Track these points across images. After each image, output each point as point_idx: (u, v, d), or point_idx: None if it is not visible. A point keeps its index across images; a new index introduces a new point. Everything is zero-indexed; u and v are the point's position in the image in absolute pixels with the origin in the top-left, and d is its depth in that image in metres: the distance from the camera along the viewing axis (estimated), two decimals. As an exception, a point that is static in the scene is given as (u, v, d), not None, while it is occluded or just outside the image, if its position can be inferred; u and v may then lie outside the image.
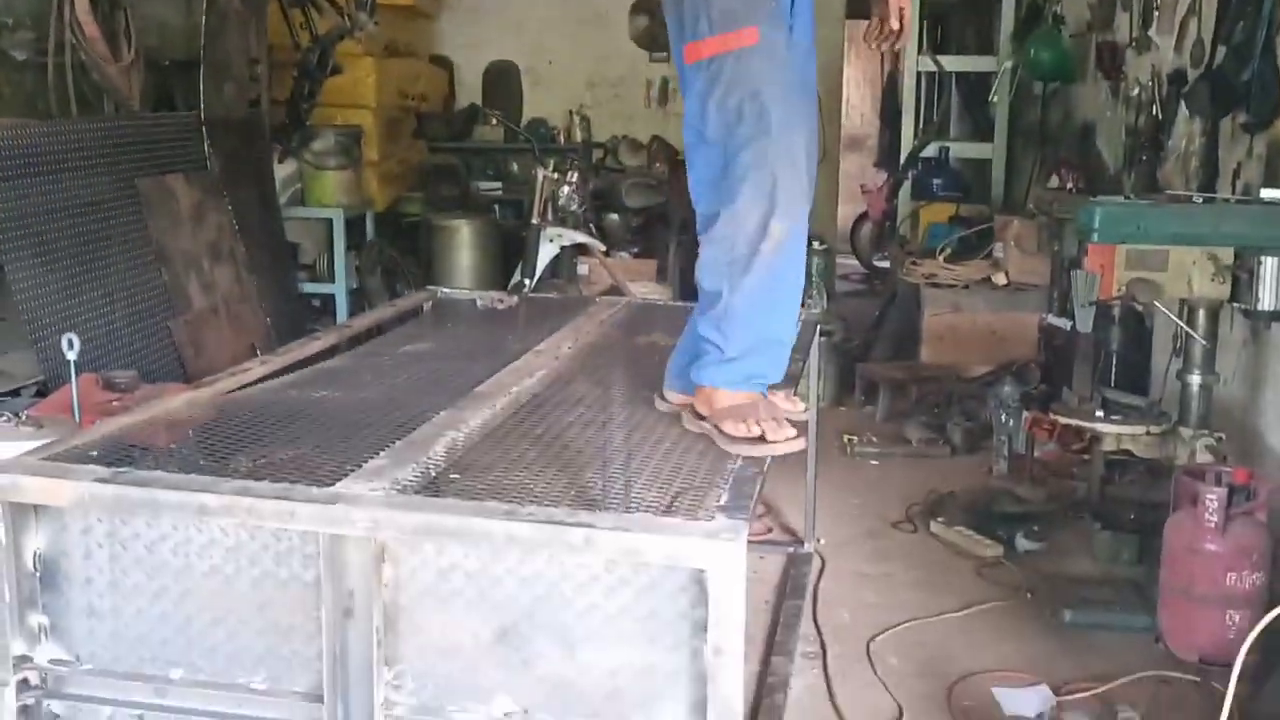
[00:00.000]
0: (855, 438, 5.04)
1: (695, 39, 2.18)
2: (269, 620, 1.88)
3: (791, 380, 2.62)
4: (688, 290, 6.87)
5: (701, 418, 2.29)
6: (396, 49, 7.29)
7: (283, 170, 6.04)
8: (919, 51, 7.23)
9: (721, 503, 1.91)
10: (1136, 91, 4.58)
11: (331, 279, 6.17)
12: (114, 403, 2.92)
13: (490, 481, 1.99)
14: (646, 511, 1.86)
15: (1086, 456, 4.02)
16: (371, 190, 6.80)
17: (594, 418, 2.45)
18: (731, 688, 1.68)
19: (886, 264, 7.94)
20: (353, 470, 1.98)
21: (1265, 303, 3.21)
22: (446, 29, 8.40)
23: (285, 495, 1.85)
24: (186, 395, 2.51)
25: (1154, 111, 4.32)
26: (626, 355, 3.01)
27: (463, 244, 6.82)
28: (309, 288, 6.17)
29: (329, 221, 6.14)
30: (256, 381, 2.70)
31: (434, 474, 2.02)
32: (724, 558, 1.68)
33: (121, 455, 2.07)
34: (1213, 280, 3.20)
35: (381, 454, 2.08)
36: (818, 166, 2.35)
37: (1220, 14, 3.73)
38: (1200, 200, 3.33)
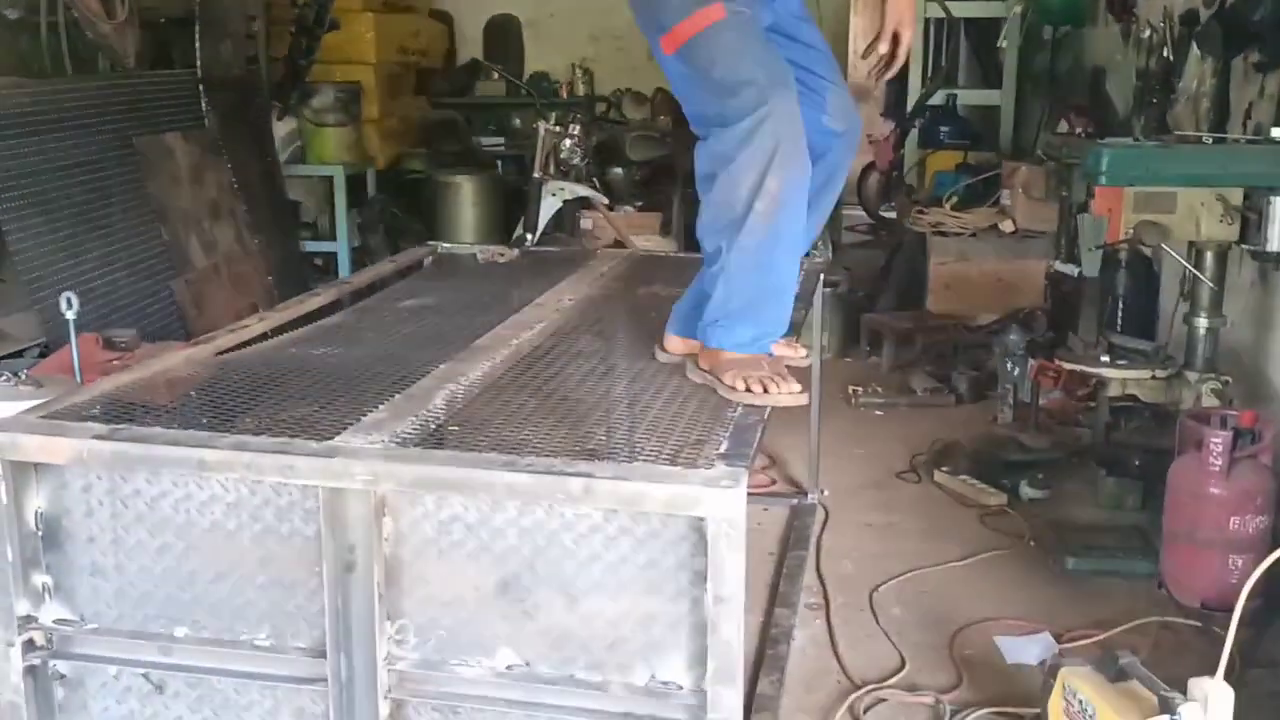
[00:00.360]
0: (860, 388, 5.02)
1: (665, 30, 2.22)
2: (271, 576, 1.88)
3: (793, 328, 2.60)
4: (692, 243, 6.80)
5: (704, 370, 2.29)
6: (395, 3, 7.21)
7: (282, 128, 6.00)
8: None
9: (721, 451, 1.90)
10: (1148, 34, 4.50)
11: (334, 237, 6.15)
12: (114, 361, 2.91)
13: (490, 433, 1.98)
14: (646, 460, 1.85)
15: (1092, 403, 4.00)
16: (373, 147, 6.75)
17: (594, 369, 2.44)
18: (732, 636, 1.68)
19: (893, 214, 7.88)
20: (352, 424, 1.97)
21: (1274, 244, 3.17)
22: (446, -18, 8.30)
23: (284, 449, 1.84)
24: (185, 352, 2.50)
25: (1165, 53, 4.25)
26: (627, 307, 2.99)
27: (466, 200, 6.78)
28: (311, 246, 6.15)
29: (330, 179, 6.11)
30: (256, 339, 2.69)
31: (433, 427, 2.01)
32: (723, 505, 1.68)
33: (120, 412, 2.06)
34: (1221, 222, 3.15)
35: (380, 408, 2.07)
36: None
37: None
38: (1210, 140, 3.28)
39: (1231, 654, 2.08)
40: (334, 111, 6.03)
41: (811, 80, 2.34)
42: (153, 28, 5.26)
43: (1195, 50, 3.88)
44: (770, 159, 2.13)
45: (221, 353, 2.56)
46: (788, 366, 2.31)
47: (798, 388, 2.19)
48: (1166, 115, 4.32)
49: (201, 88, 4.98)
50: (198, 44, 4.93)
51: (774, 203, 2.16)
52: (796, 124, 2.16)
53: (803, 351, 2.52)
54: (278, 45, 5.97)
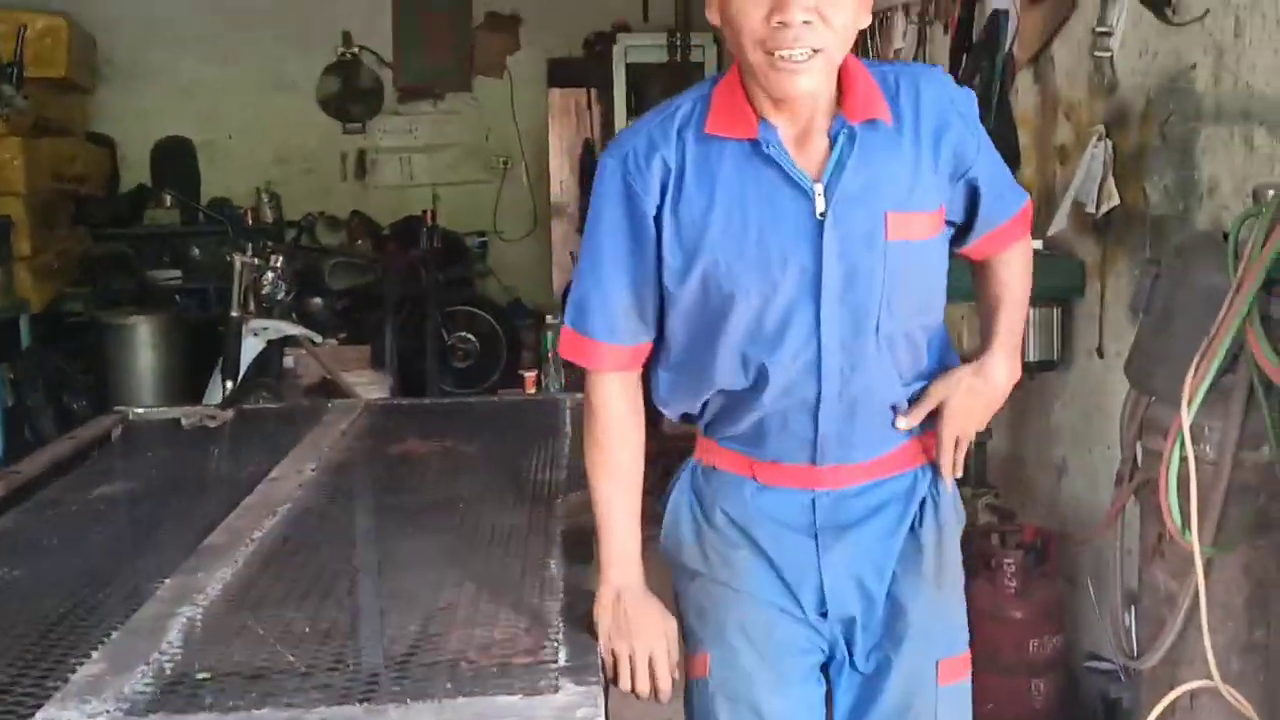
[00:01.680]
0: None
1: None
2: None
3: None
4: (409, 378, 6.43)
5: None
6: (48, 127, 6.42)
7: (-87, 273, 5.11)
8: (627, 119, 7.17)
9: (562, 661, 1.54)
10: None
11: (-18, 397, 5.26)
12: None
13: (255, 671, 1.51)
14: (470, 690, 1.45)
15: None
16: (25, 289, 5.90)
17: (367, 560, 2.00)
18: None
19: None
20: (57, 688, 1.45)
21: (1028, 353, 3.21)
22: (105, 102, 7.51)
23: (-42, 750, 1.30)
24: None
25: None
26: (384, 472, 2.56)
27: (142, 343, 6.04)
28: (-46, 411, 5.22)
29: (-25, 329, 5.24)
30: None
31: (175, 675, 1.51)
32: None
33: None
34: (977, 335, 3.15)
35: (95, 655, 1.55)
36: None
37: (953, 70, 3.79)
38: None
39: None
40: (-23, 251, 5.21)
41: None
42: None
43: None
44: None
45: None
46: None
47: None
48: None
49: None
50: None
51: None
52: None
53: None
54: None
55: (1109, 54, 3.25)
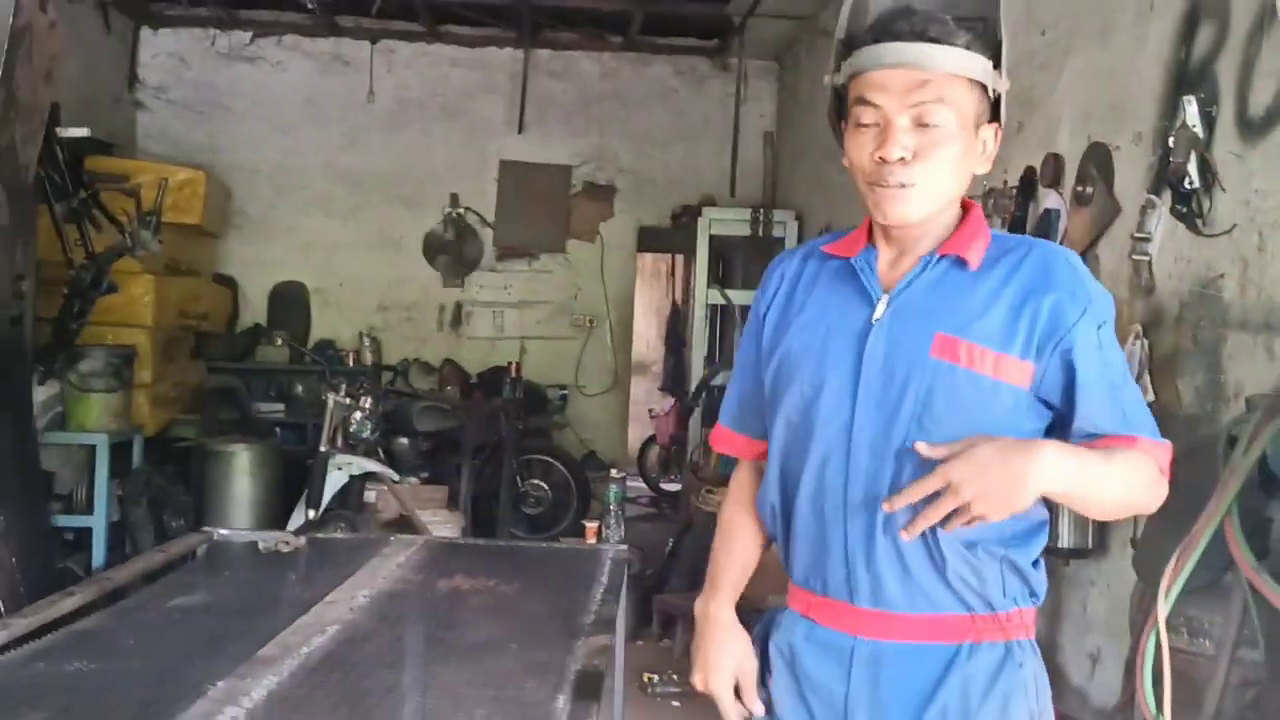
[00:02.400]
0: (655, 676, 4.85)
1: None
2: None
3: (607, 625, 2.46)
4: (481, 518, 6.68)
5: None
6: (178, 267, 7.00)
7: (42, 393, 5.57)
8: (708, 285, 7.52)
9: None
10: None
11: (90, 510, 5.64)
12: None
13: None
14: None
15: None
16: (142, 414, 6.36)
17: (395, 680, 2.20)
18: None
19: (675, 486, 7.97)
20: (112, 768, 1.67)
21: (1063, 539, 3.29)
22: (233, 248, 8.18)
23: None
24: (-96, 671, 2.12)
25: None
26: (428, 604, 2.78)
27: (240, 470, 6.40)
28: (63, 520, 5.60)
29: (91, 448, 5.66)
30: (-4, 649, 2.32)
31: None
32: None
33: None
34: (1013, 519, 3.26)
35: (148, 744, 1.78)
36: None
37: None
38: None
39: None
40: (103, 376, 5.67)
41: None
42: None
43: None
44: None
45: (-49, 669, 2.18)
46: None
47: None
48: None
49: (-43, 350, 4.58)
50: (-46, 307, 4.57)
51: None
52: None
53: None
54: (48, 305, 5.63)
55: (1147, 258, 3.43)
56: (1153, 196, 3.37)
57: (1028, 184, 4.10)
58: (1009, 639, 1.75)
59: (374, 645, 2.42)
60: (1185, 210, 3.19)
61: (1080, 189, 3.76)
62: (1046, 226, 3.96)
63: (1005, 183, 4.23)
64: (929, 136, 1.66)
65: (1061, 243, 3.89)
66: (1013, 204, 4.13)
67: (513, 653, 2.38)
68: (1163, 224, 3.38)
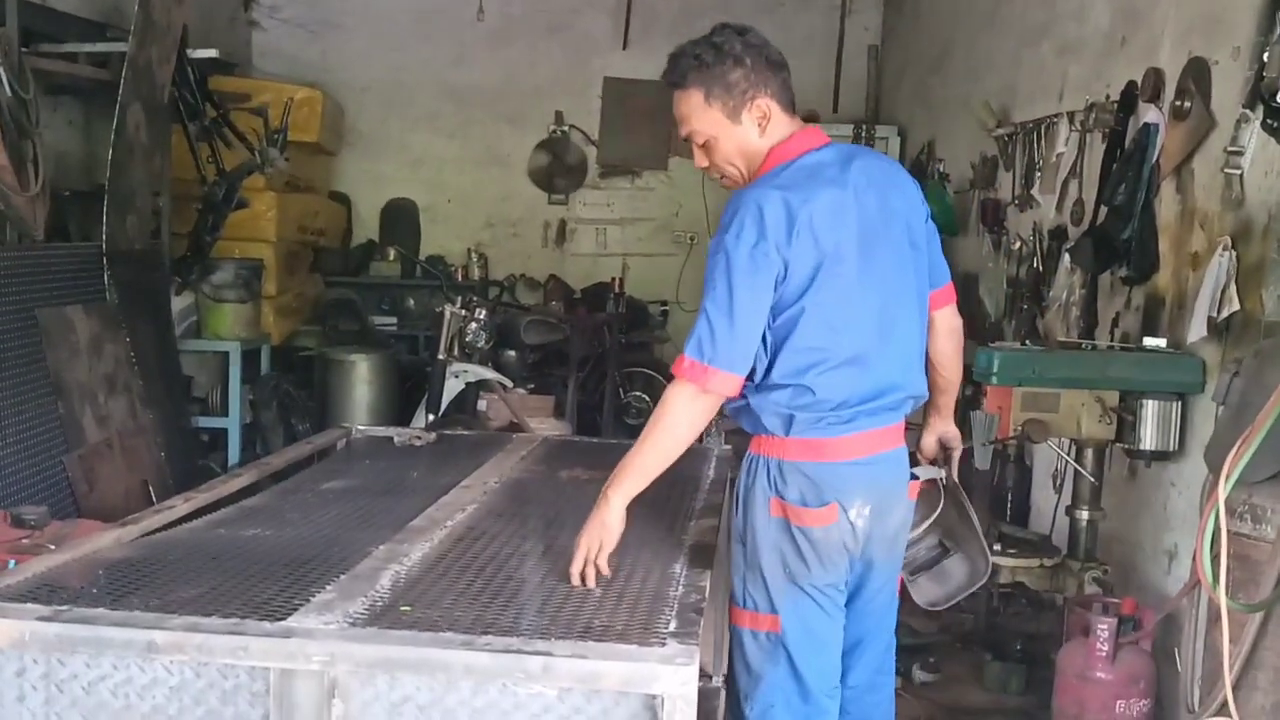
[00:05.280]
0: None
1: None
2: (214, 762, 1.85)
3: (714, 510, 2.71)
4: (586, 429, 6.96)
5: None
6: (297, 184, 7.34)
7: (179, 302, 5.98)
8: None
9: (671, 629, 1.97)
10: (1018, 245, 4.91)
11: (225, 413, 6.07)
12: (24, 540, 2.83)
13: (442, 612, 2.01)
14: (598, 639, 1.90)
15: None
16: (268, 324, 6.75)
17: (531, 548, 2.49)
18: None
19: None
20: (301, 605, 1.98)
21: (1146, 442, 3.44)
22: (346, 165, 8.49)
23: (237, 630, 1.84)
24: (113, 533, 2.47)
25: (1035, 264, 4.64)
26: (553, 489, 3.07)
27: (359, 379, 6.77)
28: (202, 422, 6.05)
29: (224, 355, 6.07)
30: (180, 520, 2.66)
31: (383, 606, 2.03)
32: (678, 681, 1.75)
33: (59, 594, 2.03)
34: (1100, 421, 3.43)
35: (328, 588, 2.09)
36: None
37: (1102, 177, 4.07)
38: (1089, 347, 3.59)
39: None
40: (234, 288, 6.05)
41: None
42: (55, 199, 5.27)
43: (1066, 263, 4.25)
44: None
45: (150, 533, 2.53)
46: None
47: None
48: (1036, 321, 4.69)
49: (105, 261, 4.97)
50: (105, 218, 4.94)
51: None
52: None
53: None
54: (182, 220, 6.01)
55: (1239, 171, 3.49)
56: (1247, 111, 3.43)
57: (1128, 98, 4.14)
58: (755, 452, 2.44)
59: (508, 521, 2.72)
60: (1276, 125, 3.26)
61: (1178, 103, 3.81)
62: (1145, 140, 4.01)
63: (1107, 97, 4.28)
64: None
65: (1158, 157, 3.95)
66: (1113, 119, 4.18)
67: (633, 528, 2.65)
68: (1255, 138, 3.44)
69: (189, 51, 5.78)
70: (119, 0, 5.73)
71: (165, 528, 2.61)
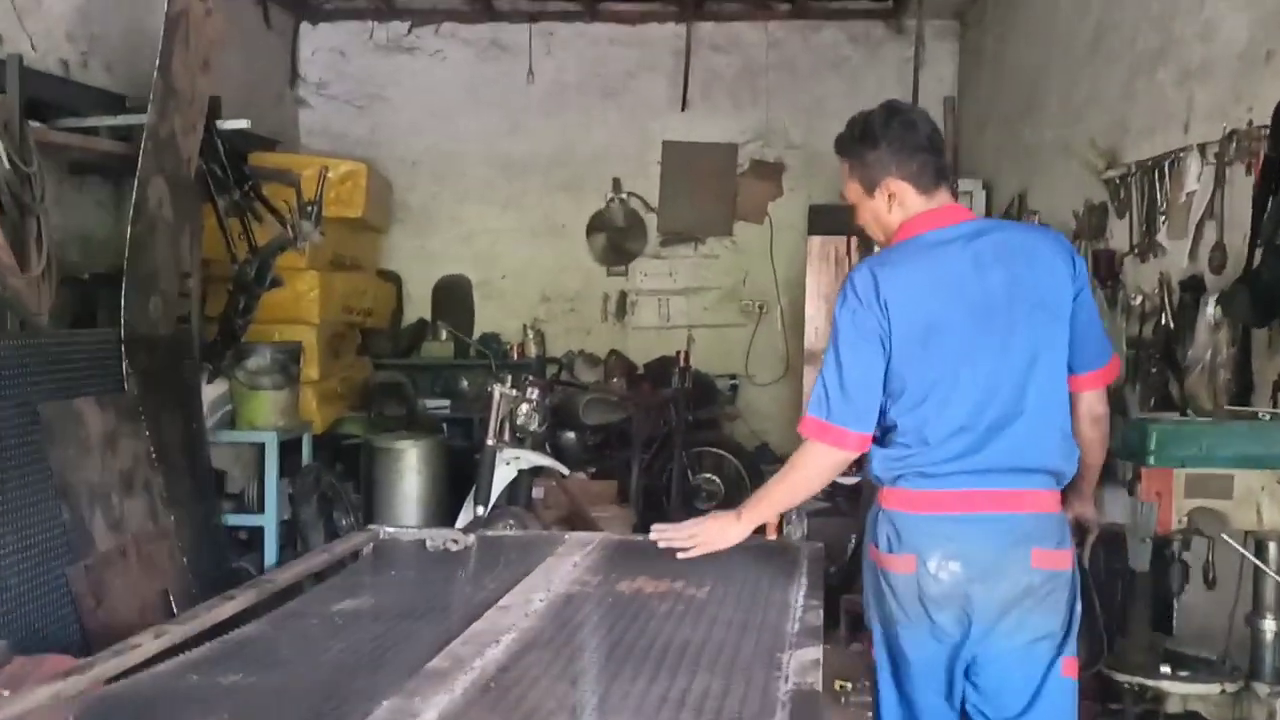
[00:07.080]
0: (848, 683, 4.45)
1: None
2: None
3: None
4: (653, 517, 6.40)
5: None
6: (343, 262, 6.95)
7: (211, 391, 5.53)
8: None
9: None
10: (1139, 300, 4.30)
11: (261, 509, 5.58)
12: (-31, 685, 2.31)
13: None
14: None
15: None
16: (310, 410, 6.30)
17: (581, 699, 1.92)
18: None
19: (852, 480, 7.54)
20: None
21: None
22: (396, 242, 8.12)
23: None
24: (54, 687, 1.93)
25: (1163, 319, 4.02)
26: (611, 610, 2.48)
27: (408, 467, 6.30)
28: (234, 520, 5.56)
29: (261, 446, 5.60)
30: (149, 661, 2.13)
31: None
32: None
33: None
34: (1285, 507, 2.77)
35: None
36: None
37: (1255, 214, 3.46)
38: (1267, 416, 2.94)
39: None
40: (270, 374, 5.60)
41: None
42: (78, 283, 4.89)
43: (1209, 317, 3.62)
44: None
45: (108, 680, 2.00)
46: None
47: None
48: (1169, 386, 4.04)
49: (123, 348, 4.53)
50: (123, 301, 4.52)
51: None
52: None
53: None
54: (213, 303, 5.59)
55: None
56: None
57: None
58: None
59: (553, 657, 2.14)
60: None
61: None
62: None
63: (1250, 122, 3.68)
64: None
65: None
66: (1265, 145, 3.55)
67: (710, 666, 2.07)
68: None
69: (219, 123, 5.41)
70: (139, 71, 5.38)
71: (127, 673, 2.07)
